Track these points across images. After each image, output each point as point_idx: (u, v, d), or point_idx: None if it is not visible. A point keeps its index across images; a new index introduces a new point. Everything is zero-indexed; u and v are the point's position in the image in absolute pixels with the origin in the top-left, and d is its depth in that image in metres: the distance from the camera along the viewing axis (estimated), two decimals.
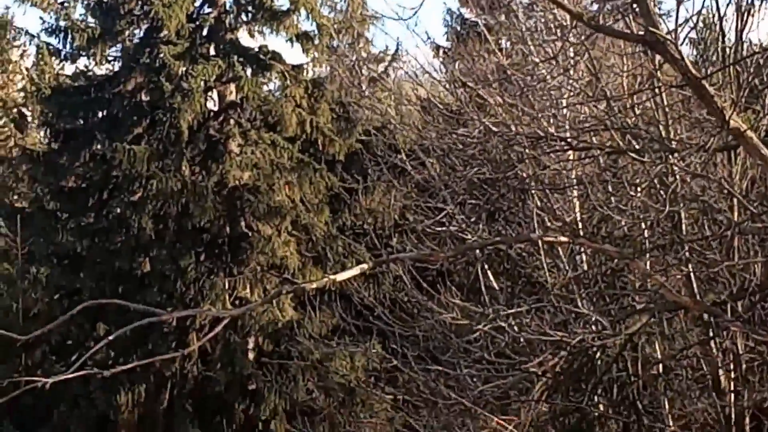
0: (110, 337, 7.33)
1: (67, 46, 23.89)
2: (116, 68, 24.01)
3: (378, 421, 19.47)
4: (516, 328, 10.58)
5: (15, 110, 31.86)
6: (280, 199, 21.24)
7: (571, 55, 11.50)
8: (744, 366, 11.33)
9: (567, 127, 11.42)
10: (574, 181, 11.66)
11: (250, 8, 22.83)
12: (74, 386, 23.08)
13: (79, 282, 23.27)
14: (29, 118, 31.43)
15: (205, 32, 22.80)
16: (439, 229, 12.70)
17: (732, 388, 11.33)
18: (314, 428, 20.00)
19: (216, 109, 22.92)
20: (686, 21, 7.82)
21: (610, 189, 11.28)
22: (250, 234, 21.58)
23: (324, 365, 20.51)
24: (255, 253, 21.38)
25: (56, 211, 24.96)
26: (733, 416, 11.28)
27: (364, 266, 7.72)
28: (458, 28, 25.06)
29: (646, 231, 10.98)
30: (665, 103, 10.74)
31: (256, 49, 22.69)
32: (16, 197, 31.46)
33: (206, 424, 21.27)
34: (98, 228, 23.30)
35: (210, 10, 22.94)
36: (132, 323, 7.10)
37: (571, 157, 11.06)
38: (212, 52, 22.81)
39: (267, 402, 20.71)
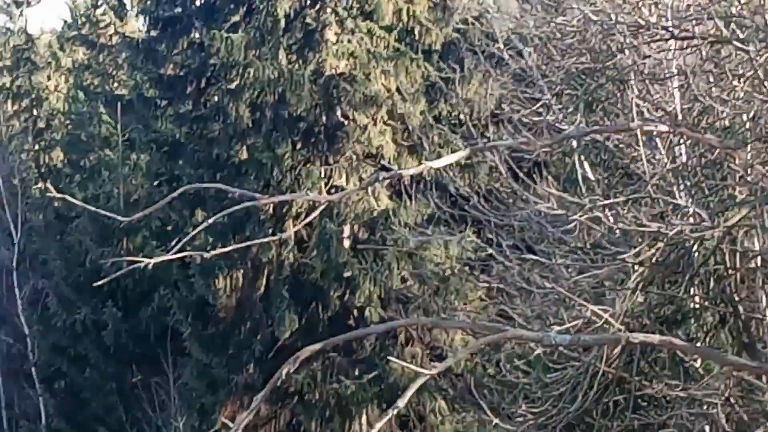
0: (209, 221, 7.45)
1: None
2: None
3: (472, 309, 19.63)
4: (612, 218, 10.54)
5: None
6: (376, 88, 21.20)
7: None
8: None
9: (668, 15, 11.16)
10: (675, 71, 11.44)
11: None
12: (174, 271, 23.67)
13: (178, 169, 23.66)
14: (128, 6, 31.68)
15: None
16: (536, 119, 12.61)
17: None
18: (408, 316, 20.26)
19: None
20: None
21: (711, 79, 11.06)
22: (345, 123, 21.64)
23: (418, 254, 20.66)
24: (351, 142, 21.47)
25: (155, 99, 25.32)
26: None
27: (462, 153, 7.71)
28: None
29: (748, 122, 10.76)
30: None
31: None
32: (116, 85, 31.93)
33: (302, 310, 21.63)
34: (196, 116, 23.60)
35: None
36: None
37: (672, 47, 10.85)
38: None
39: (362, 289, 20.95)
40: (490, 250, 13.50)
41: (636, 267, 10.82)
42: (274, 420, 21.90)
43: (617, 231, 10.92)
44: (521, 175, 12.76)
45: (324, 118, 21.86)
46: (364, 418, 21.39)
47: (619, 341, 7.76)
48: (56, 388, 31.01)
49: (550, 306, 12.34)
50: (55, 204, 30.20)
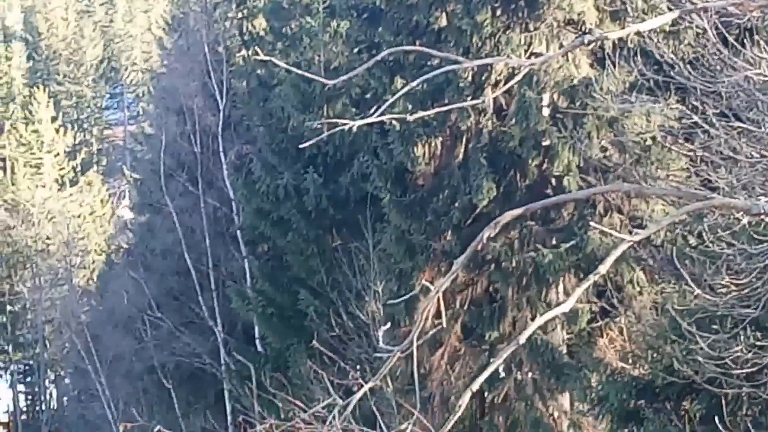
0: (411, 84, 7.46)
1: None
2: None
3: (674, 179, 19.20)
4: None
5: None
6: None
7: None
8: None
9: None
10: None
11: None
12: (373, 138, 23.91)
13: (377, 36, 23.68)
14: None
15: None
16: None
17: None
18: (608, 185, 19.98)
19: None
20: None
21: None
22: None
23: (620, 122, 20.26)
24: (551, 8, 21.00)
25: None
26: None
27: (669, 15, 7.44)
28: None
29: None
30: None
31: None
32: None
33: (500, 178, 21.59)
34: None
35: None
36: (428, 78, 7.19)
37: None
38: None
39: (560, 158, 20.74)
40: (694, 118, 13.13)
41: None
42: (471, 287, 22.12)
43: None
44: (731, 40, 12.27)
45: None
46: (560, 287, 21.39)
47: None
48: (260, 251, 32.09)
49: (757, 176, 11.95)
50: (258, 71, 30.81)
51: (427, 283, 6.94)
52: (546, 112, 21.21)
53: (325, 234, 27.59)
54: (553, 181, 21.32)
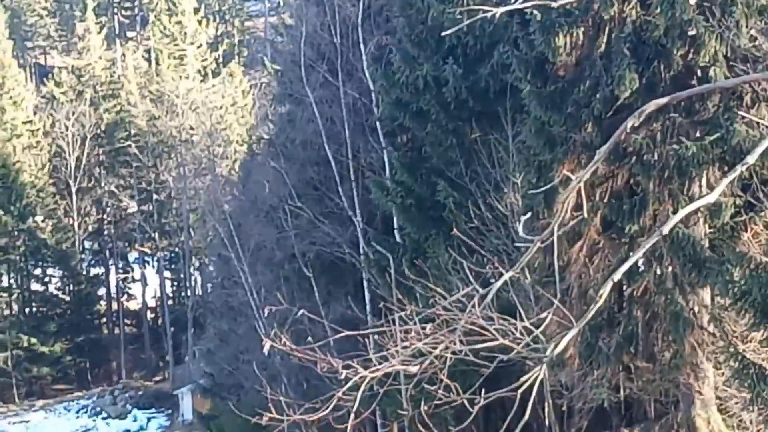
0: None
1: None
2: None
3: None
4: None
5: None
6: None
7: None
8: None
9: None
10: None
11: None
12: (514, 28, 23.59)
13: None
14: None
15: None
16: None
17: None
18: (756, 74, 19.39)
19: None
20: None
21: None
22: None
23: None
24: None
25: None
26: None
27: None
28: None
29: None
30: None
31: None
32: None
33: (643, 69, 21.13)
34: None
35: None
36: None
37: None
38: None
39: (707, 48, 20.15)
40: None
41: None
42: (611, 179, 21.86)
43: None
44: None
45: None
46: (703, 180, 20.98)
47: None
48: (399, 142, 32.21)
49: None
50: None
51: (569, 173, 6.89)
52: (692, 0, 20.58)
53: (464, 125, 27.52)
54: (699, 72, 20.77)
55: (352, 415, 8.23)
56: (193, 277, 76.50)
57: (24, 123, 77.26)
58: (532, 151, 22.88)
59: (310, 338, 8.16)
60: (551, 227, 7.32)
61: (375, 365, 8.03)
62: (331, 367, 8.02)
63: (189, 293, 75.13)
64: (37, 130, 78.16)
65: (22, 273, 75.19)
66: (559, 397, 23.14)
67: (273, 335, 8.22)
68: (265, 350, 7.96)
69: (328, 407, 8.10)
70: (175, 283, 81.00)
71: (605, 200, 21.67)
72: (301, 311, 9.55)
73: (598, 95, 21.32)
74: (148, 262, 78.84)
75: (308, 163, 36.06)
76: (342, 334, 8.39)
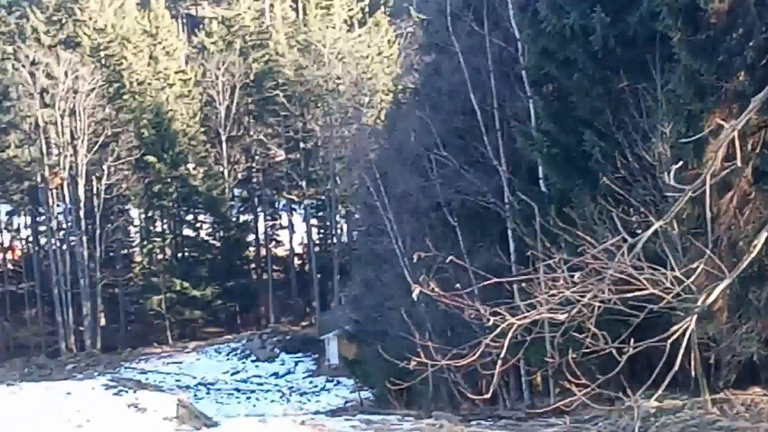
0: None
1: None
2: None
3: None
4: None
5: None
6: None
7: None
8: None
9: None
10: None
11: None
12: None
13: None
14: None
15: None
16: None
17: None
18: None
19: None
20: None
21: None
22: None
23: None
24: None
25: None
26: None
27: None
28: None
29: None
30: None
31: None
32: None
33: None
34: None
35: None
36: None
37: None
38: None
39: None
40: None
41: None
42: (764, 129, 21.42)
43: None
44: None
45: None
46: None
47: None
48: (545, 91, 31.98)
49: None
50: None
51: (722, 122, 6.85)
52: None
53: (612, 74, 27.17)
54: None
55: (499, 362, 8.36)
56: (339, 225, 77.47)
57: (176, 73, 79.03)
58: (681, 100, 22.54)
59: (458, 285, 8.29)
60: (702, 177, 7.28)
61: (521, 313, 8.12)
62: (478, 313, 8.15)
63: (335, 241, 76.14)
64: (189, 79, 79.85)
65: (174, 219, 77.25)
66: (707, 350, 22.90)
67: (421, 281, 8.39)
68: (414, 295, 8.13)
69: (474, 354, 8.24)
70: (322, 231, 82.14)
71: (757, 150, 21.25)
72: (450, 258, 9.70)
73: (751, 43, 20.85)
74: (295, 210, 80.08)
75: (454, 112, 36.10)
76: (490, 281, 8.51)
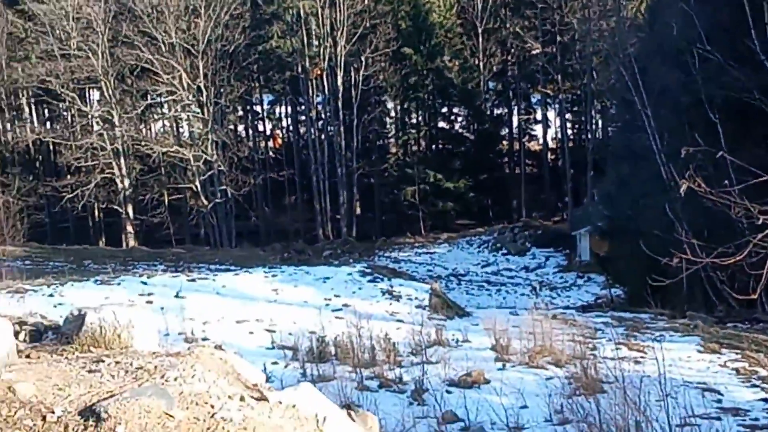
0: None
1: None
2: None
3: None
4: None
5: None
6: None
7: None
8: None
9: None
10: None
11: None
12: None
13: None
14: None
15: None
16: None
17: None
18: None
19: None
20: None
21: None
22: None
23: None
24: None
25: None
26: None
27: None
28: None
29: None
30: None
31: None
32: None
33: None
34: None
35: None
36: None
37: None
38: None
39: None
40: None
41: None
42: None
43: None
44: None
45: None
46: None
47: None
48: None
49: None
50: None
51: None
52: None
53: None
54: None
55: None
56: (594, 120, 76.41)
57: None
58: None
59: (726, 182, 8.09)
60: None
61: None
62: (747, 212, 7.95)
63: (589, 136, 75.20)
64: None
65: (429, 111, 78.03)
66: None
67: (687, 177, 8.22)
68: (681, 191, 7.99)
69: (742, 253, 8.07)
70: (576, 126, 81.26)
71: None
72: (720, 153, 9.44)
73: None
74: (550, 104, 79.42)
75: (721, 4, 34.69)
76: (761, 178, 8.25)
